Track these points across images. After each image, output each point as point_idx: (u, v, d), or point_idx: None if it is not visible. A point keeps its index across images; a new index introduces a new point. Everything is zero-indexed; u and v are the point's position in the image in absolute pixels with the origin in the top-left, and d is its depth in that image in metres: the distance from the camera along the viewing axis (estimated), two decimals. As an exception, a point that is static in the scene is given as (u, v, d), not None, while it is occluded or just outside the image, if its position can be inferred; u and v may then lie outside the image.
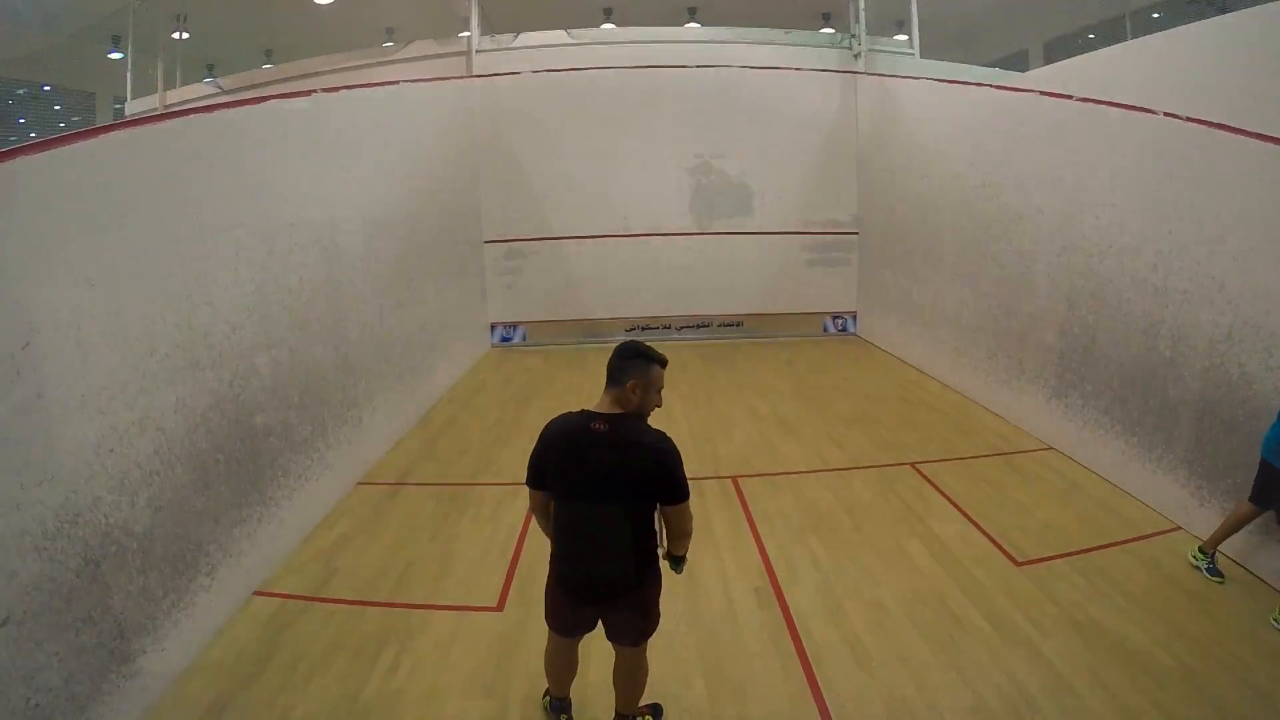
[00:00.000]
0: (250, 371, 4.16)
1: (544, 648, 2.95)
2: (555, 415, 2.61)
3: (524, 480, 2.62)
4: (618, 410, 2.50)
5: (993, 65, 12.62)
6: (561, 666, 2.91)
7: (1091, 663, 3.27)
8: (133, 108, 11.81)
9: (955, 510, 4.92)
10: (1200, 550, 4.09)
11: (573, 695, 3.04)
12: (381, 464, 6.02)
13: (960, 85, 8.16)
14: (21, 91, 13.75)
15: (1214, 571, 4.00)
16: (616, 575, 2.57)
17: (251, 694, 3.19)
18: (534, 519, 2.76)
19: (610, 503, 2.47)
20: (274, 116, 4.87)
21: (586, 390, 8.43)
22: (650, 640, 2.78)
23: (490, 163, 10.33)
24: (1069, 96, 5.83)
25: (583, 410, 2.56)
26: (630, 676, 2.81)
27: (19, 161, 2.71)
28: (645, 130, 10.49)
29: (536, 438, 2.60)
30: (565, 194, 10.55)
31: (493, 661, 3.40)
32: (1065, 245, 5.84)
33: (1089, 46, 12.09)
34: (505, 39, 10.65)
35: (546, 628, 2.85)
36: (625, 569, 2.56)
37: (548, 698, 3.06)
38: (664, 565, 2.73)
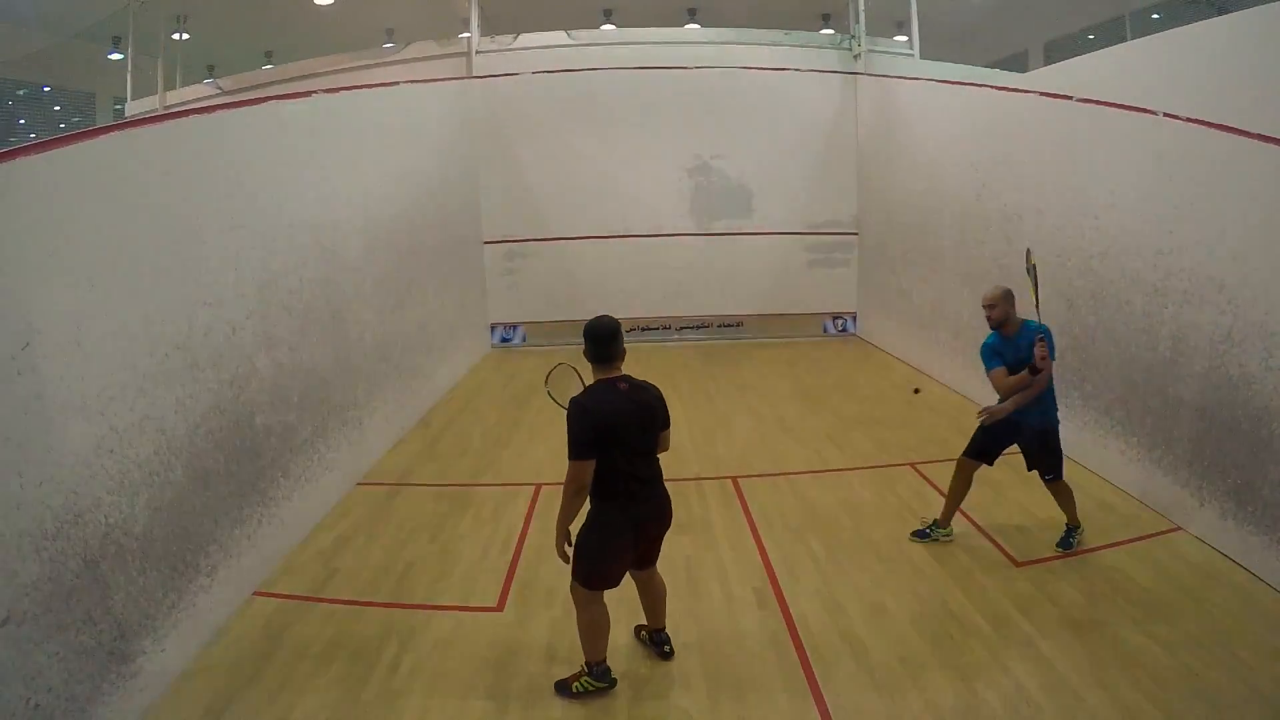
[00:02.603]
0: (250, 372, 4.16)
1: (539, 645, 3.07)
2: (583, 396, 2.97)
3: (575, 456, 2.87)
4: (619, 372, 3.04)
5: (993, 66, 12.63)
6: (606, 624, 3.14)
7: (1091, 663, 3.26)
8: (133, 109, 11.82)
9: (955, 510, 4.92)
10: (936, 524, 4.50)
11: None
12: (382, 464, 6.02)
13: (960, 86, 8.16)
14: (21, 92, 13.77)
15: (923, 535, 4.50)
16: (668, 498, 3.15)
17: (251, 694, 3.19)
18: (568, 498, 2.93)
19: (652, 443, 3.08)
20: (274, 117, 4.87)
21: (586, 391, 8.43)
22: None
23: (490, 163, 10.34)
24: (1069, 97, 5.83)
25: (602, 382, 3.01)
26: (662, 588, 3.37)
27: (19, 161, 2.71)
28: (645, 131, 10.51)
29: (579, 412, 2.88)
30: (565, 195, 10.56)
31: (493, 661, 3.40)
32: (1065, 246, 5.83)
33: (1089, 47, 12.11)
34: (505, 40, 10.67)
35: (584, 601, 3.08)
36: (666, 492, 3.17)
37: (591, 670, 3.12)
38: None
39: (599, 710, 3.06)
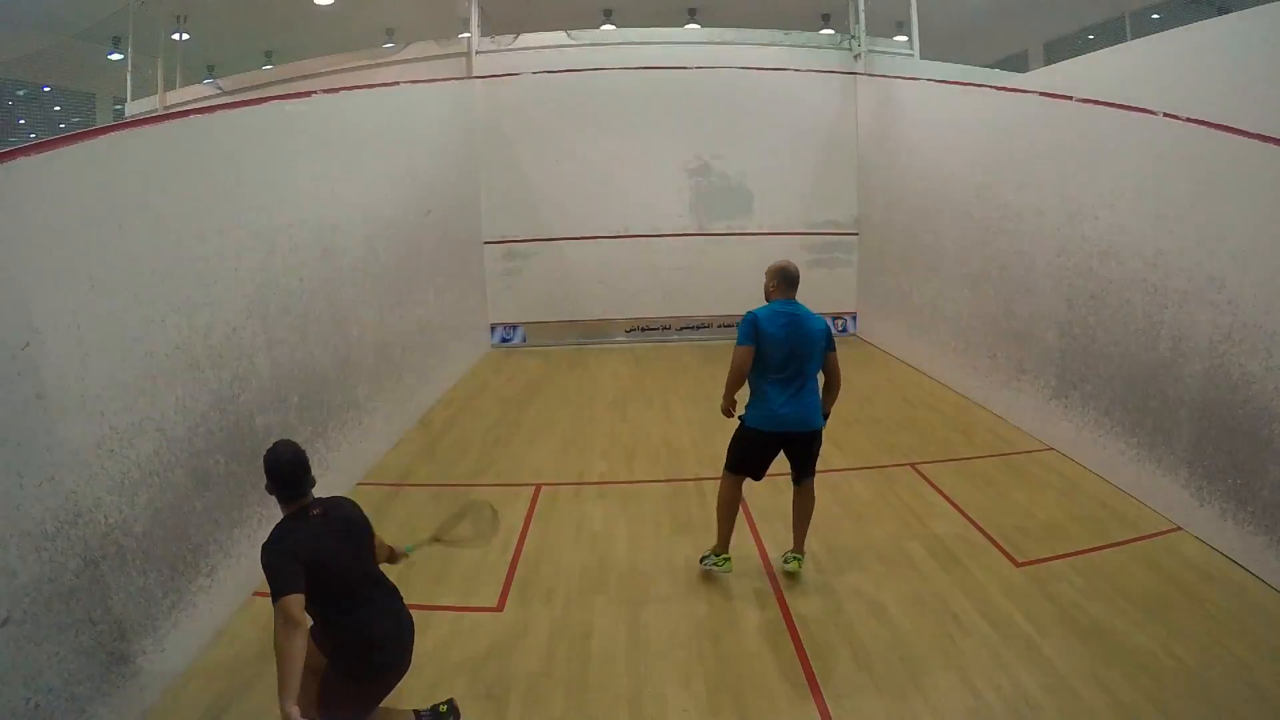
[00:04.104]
0: (250, 372, 4.16)
1: (539, 645, 2.92)
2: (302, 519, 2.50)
3: (281, 595, 2.27)
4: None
5: (993, 66, 12.66)
6: None
7: (1091, 663, 3.26)
8: (133, 109, 11.82)
9: (955, 511, 4.92)
10: (715, 553, 4.14)
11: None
12: (382, 464, 6.02)
13: (960, 86, 8.17)
14: (21, 92, 13.76)
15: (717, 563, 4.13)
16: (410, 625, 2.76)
17: (251, 694, 3.19)
18: (295, 654, 2.23)
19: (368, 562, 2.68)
20: (274, 117, 4.87)
21: (586, 391, 8.44)
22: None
23: (490, 164, 10.34)
24: (1069, 97, 5.83)
25: (305, 507, 2.53)
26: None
27: (19, 161, 2.71)
28: (645, 131, 10.50)
29: (275, 552, 2.36)
30: (565, 195, 10.56)
31: (493, 662, 3.40)
32: (1065, 246, 5.84)
33: (1089, 47, 12.13)
34: (505, 40, 10.67)
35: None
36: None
37: None
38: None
39: (600, 711, 3.06)
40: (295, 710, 2.13)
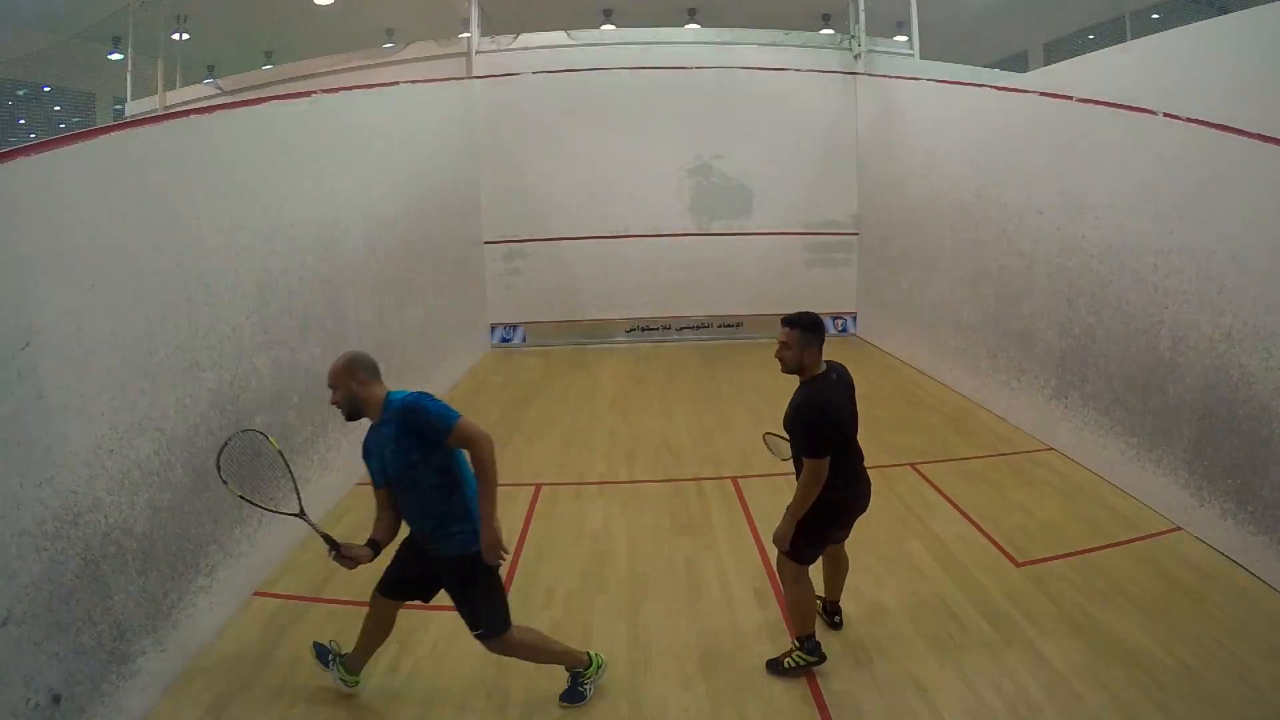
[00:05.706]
0: (250, 372, 4.16)
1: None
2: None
3: (818, 454, 2.98)
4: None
5: (993, 66, 12.67)
6: (814, 598, 3.38)
7: (1091, 663, 3.26)
8: (133, 109, 11.83)
9: (955, 511, 4.92)
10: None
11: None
12: (381, 464, 6.01)
13: (960, 86, 8.17)
14: (21, 92, 13.76)
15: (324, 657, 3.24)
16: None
17: (251, 694, 3.19)
18: (811, 489, 3.00)
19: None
20: (274, 117, 4.87)
21: (587, 391, 8.44)
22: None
23: (490, 164, 10.34)
24: (1069, 97, 5.83)
25: (829, 369, 3.16)
26: (847, 563, 3.59)
27: (19, 161, 2.71)
28: (645, 131, 10.51)
29: (815, 408, 3.02)
30: (565, 195, 10.57)
31: (492, 661, 3.39)
32: (1065, 246, 5.84)
33: (1089, 47, 12.13)
34: (505, 40, 10.67)
35: (796, 569, 3.17)
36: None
37: (804, 645, 3.22)
38: None
39: (601, 710, 3.06)
40: (788, 536, 3.08)
